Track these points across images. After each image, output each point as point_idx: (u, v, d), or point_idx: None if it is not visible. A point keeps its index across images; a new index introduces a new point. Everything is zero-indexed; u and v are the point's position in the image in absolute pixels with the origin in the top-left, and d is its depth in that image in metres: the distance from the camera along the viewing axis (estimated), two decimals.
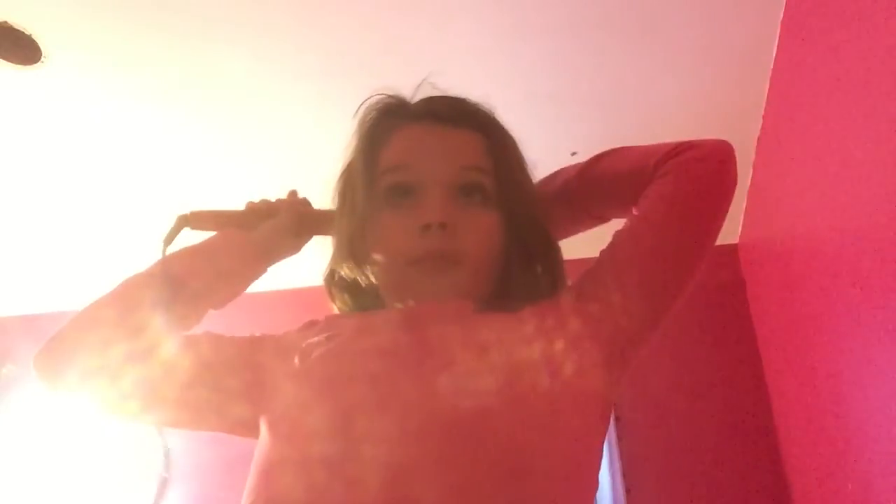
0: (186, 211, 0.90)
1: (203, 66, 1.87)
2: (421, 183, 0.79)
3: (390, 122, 0.85)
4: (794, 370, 2.11)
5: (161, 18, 1.73)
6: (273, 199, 0.92)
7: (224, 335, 0.84)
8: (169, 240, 0.85)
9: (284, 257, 0.91)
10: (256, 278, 0.89)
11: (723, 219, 0.80)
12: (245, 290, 0.88)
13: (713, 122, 2.06)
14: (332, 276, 0.88)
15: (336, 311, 0.89)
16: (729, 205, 0.80)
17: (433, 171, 0.79)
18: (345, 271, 0.86)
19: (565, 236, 0.89)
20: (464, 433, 0.66)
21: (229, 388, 0.79)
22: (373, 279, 0.84)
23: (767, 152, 2.07)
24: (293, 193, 0.94)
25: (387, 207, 0.80)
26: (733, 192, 0.80)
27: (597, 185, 0.84)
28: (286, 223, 0.89)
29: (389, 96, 0.88)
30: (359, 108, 0.87)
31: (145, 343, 0.77)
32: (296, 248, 0.92)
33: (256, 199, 0.93)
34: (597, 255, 0.82)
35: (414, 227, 0.76)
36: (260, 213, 0.90)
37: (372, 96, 0.87)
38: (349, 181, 0.86)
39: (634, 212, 0.80)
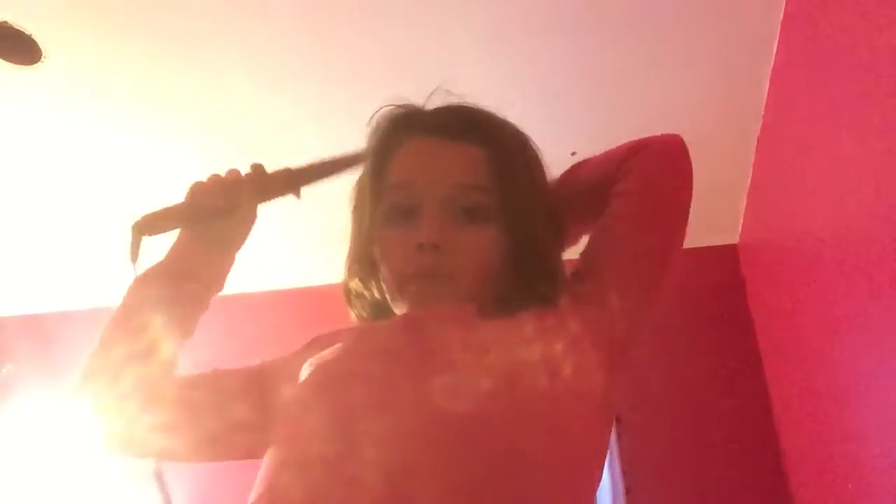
0: (137, 218, 0.85)
1: (202, 66, 1.87)
2: (420, 201, 0.80)
3: (397, 135, 0.85)
4: (794, 370, 2.11)
5: (161, 20, 1.73)
6: (222, 174, 0.86)
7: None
8: (133, 256, 0.83)
9: (248, 236, 0.89)
10: (230, 269, 0.90)
11: (686, 207, 0.83)
12: (224, 284, 0.89)
13: (713, 122, 2.06)
14: (347, 286, 0.89)
15: (353, 317, 0.90)
16: (690, 194, 0.84)
17: (431, 190, 0.80)
18: (353, 285, 0.88)
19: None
20: (463, 434, 0.66)
21: (228, 387, 0.80)
22: (377, 294, 0.86)
23: (767, 152, 2.07)
24: (238, 173, 0.87)
25: (390, 224, 0.81)
26: (691, 181, 0.84)
27: (570, 204, 0.87)
28: (249, 211, 0.87)
29: (400, 106, 0.88)
30: (371, 117, 0.88)
31: (145, 344, 0.78)
32: (255, 220, 0.89)
33: (201, 178, 0.86)
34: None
35: (411, 245, 0.78)
36: (216, 199, 0.84)
37: (384, 106, 0.88)
38: (360, 196, 0.88)
39: (606, 211, 0.83)
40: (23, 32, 1.73)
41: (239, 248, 0.89)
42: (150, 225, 0.85)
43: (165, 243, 0.87)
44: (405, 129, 0.85)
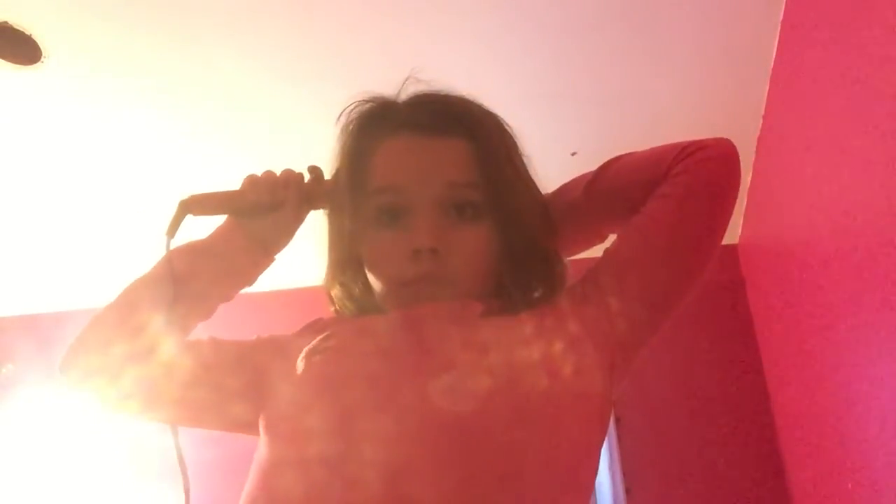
0: (186, 196, 0.86)
1: (201, 67, 1.87)
2: (410, 204, 0.77)
3: (374, 134, 0.82)
4: (795, 370, 2.11)
5: (160, 20, 1.73)
6: (277, 173, 0.86)
7: (225, 339, 0.84)
8: (172, 230, 0.83)
9: (291, 238, 0.88)
10: (266, 269, 0.88)
11: (729, 219, 0.79)
12: (255, 280, 0.87)
13: (713, 122, 2.05)
14: (329, 293, 0.88)
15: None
16: (734, 204, 0.80)
17: (422, 191, 0.77)
18: (335, 292, 0.86)
19: (570, 255, 0.87)
20: (462, 433, 0.66)
21: (229, 388, 0.80)
22: (362, 299, 0.84)
23: (767, 152, 2.07)
24: (299, 174, 0.87)
25: (377, 228, 0.79)
26: (738, 190, 0.80)
27: (607, 197, 0.82)
28: (293, 213, 0.85)
29: (371, 101, 0.85)
30: (340, 115, 0.84)
31: (146, 343, 0.78)
32: (300, 224, 0.88)
33: (258, 173, 0.86)
34: (597, 253, 0.82)
35: (405, 251, 0.76)
36: (262, 195, 0.84)
37: (354, 103, 0.84)
38: (336, 201, 0.85)
39: (640, 212, 0.78)
40: (23, 32, 1.73)
41: (278, 249, 0.87)
42: (196, 204, 0.85)
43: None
44: (383, 126, 0.82)
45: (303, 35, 1.80)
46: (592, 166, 0.85)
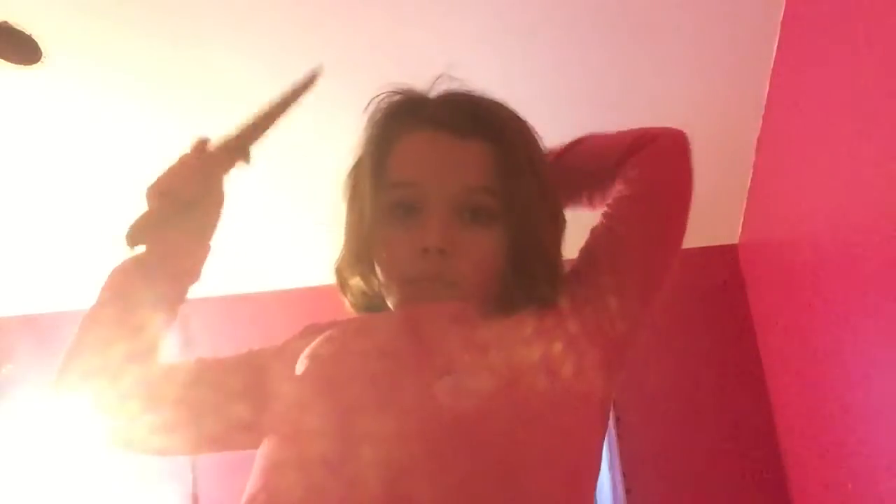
0: (127, 231, 0.84)
1: (201, 68, 1.87)
2: (425, 201, 0.77)
3: (400, 126, 0.82)
4: (794, 370, 2.11)
5: (160, 20, 1.73)
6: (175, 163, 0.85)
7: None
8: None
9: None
10: (206, 257, 0.86)
11: (688, 211, 0.84)
12: (200, 273, 0.86)
13: (713, 122, 2.05)
14: (342, 276, 0.87)
15: (348, 305, 0.89)
16: (691, 195, 0.84)
17: (437, 191, 0.77)
18: (353, 282, 0.86)
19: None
20: (463, 434, 0.66)
21: (230, 387, 0.80)
22: (376, 290, 0.84)
23: (767, 152, 2.07)
24: (195, 155, 0.86)
25: (391, 222, 0.79)
26: (692, 181, 0.84)
27: (568, 175, 0.87)
28: (222, 193, 0.85)
29: (401, 93, 0.84)
30: (370, 103, 0.84)
31: (146, 343, 0.78)
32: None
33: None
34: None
35: (414, 248, 0.76)
36: (190, 188, 0.83)
37: (384, 92, 0.84)
38: (357, 189, 0.85)
39: (607, 210, 0.83)
40: (23, 32, 1.73)
41: (214, 233, 0.85)
42: (141, 234, 0.84)
43: None
44: (408, 120, 0.82)
45: (303, 35, 1.80)
46: None
